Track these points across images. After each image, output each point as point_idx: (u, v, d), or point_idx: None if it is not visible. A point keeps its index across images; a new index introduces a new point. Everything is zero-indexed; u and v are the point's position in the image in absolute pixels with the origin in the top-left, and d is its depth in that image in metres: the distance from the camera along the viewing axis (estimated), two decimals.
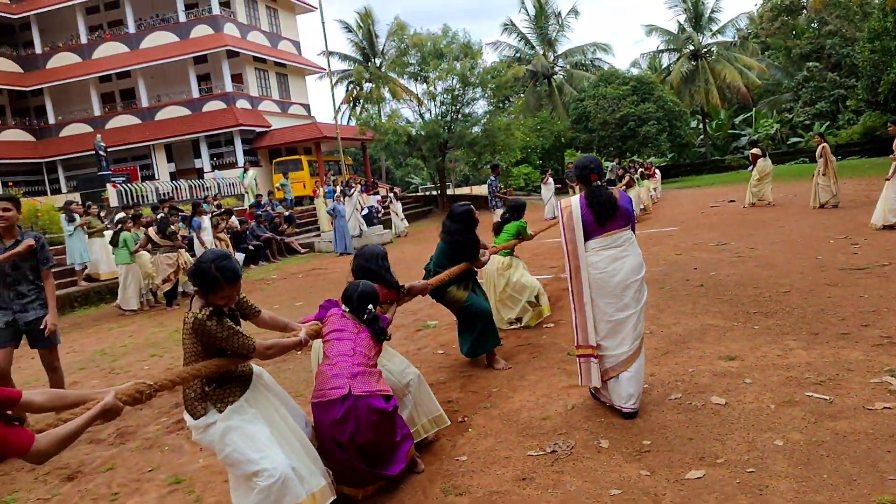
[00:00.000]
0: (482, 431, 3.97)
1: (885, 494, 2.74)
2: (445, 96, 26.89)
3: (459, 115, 27.35)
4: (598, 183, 3.92)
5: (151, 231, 10.59)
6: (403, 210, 27.31)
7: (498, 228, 6.89)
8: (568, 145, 37.07)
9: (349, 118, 40.14)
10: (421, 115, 28.01)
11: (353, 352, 3.22)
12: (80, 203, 14.65)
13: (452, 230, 5.24)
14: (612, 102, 33.92)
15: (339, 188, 19.74)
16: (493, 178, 18.30)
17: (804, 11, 40.36)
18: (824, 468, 3.02)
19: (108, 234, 11.35)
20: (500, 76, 26.66)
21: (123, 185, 21.54)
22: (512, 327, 6.42)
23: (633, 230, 4.03)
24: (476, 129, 27.47)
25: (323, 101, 55.84)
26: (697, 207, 17.14)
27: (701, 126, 41.96)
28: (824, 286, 6.57)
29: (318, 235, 19.60)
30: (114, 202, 20.14)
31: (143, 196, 21.25)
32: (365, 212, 19.73)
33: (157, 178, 28.60)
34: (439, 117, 26.95)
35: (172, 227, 10.55)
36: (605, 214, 3.85)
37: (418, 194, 38.18)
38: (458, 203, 5.42)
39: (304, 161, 28.62)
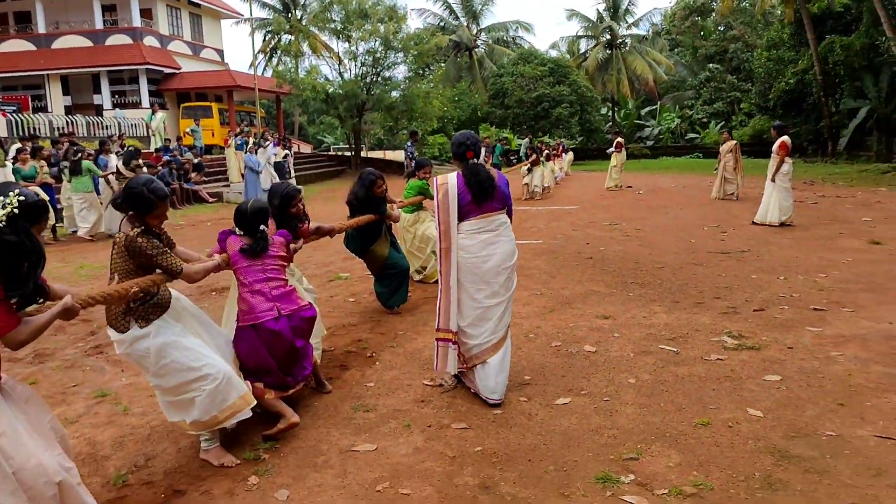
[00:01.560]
0: (388, 365, 4.51)
1: (704, 418, 3.50)
2: (366, 58, 26.76)
3: (379, 78, 27.34)
4: (475, 160, 3.81)
5: (119, 163, 11.47)
6: (315, 168, 27.24)
7: None
8: (483, 119, 37.82)
9: (265, 69, 38.99)
10: (340, 74, 27.77)
11: (267, 278, 3.52)
12: None
13: (355, 192, 5.49)
14: (529, 81, 34.90)
15: (251, 140, 19.47)
16: (409, 144, 18.68)
17: (713, 14, 42.78)
18: (662, 399, 3.77)
19: (9, 164, 10.84)
20: (422, 43, 26.81)
21: (14, 114, 20.21)
22: (418, 278, 6.95)
23: (510, 215, 3.93)
24: (395, 93, 27.59)
25: (237, 49, 53.58)
26: (598, 190, 18.29)
27: (610, 113, 43.92)
28: (692, 265, 7.54)
29: (228, 186, 19.29)
30: (2, 132, 18.90)
31: (35, 128, 20.02)
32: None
33: (50, 110, 26.80)
34: (359, 78, 26.84)
35: (138, 160, 11.18)
36: (484, 194, 3.72)
37: (331, 153, 37.79)
38: (367, 169, 5.75)
39: (214, 108, 27.70)
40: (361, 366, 4.51)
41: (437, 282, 6.79)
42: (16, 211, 2.23)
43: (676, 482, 2.86)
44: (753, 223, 10.59)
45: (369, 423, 3.59)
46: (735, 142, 14.69)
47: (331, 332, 5.22)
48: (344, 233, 5.50)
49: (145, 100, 26.98)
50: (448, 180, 3.78)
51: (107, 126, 22.92)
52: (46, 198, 8.97)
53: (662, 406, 3.68)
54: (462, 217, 3.75)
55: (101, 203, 11.43)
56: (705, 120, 40.41)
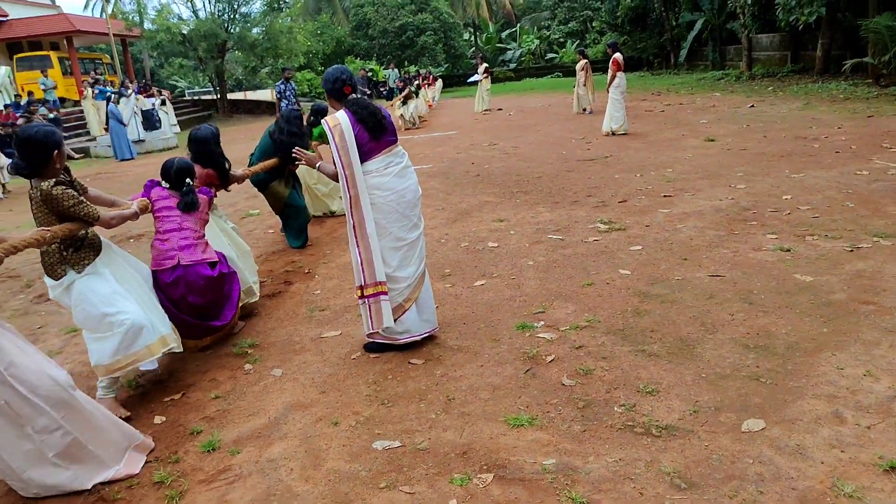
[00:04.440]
0: (326, 276, 5.20)
1: (588, 280, 4.53)
2: None
3: (237, 15, 26.29)
4: (355, 96, 3.57)
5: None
6: (180, 115, 26.04)
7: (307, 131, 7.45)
8: (349, 51, 37.36)
9: (102, 10, 35.85)
10: (194, 13, 26.38)
11: (181, 227, 3.71)
12: None
13: (286, 130, 5.71)
14: (390, 11, 34.81)
15: (111, 89, 18.48)
16: (280, 84, 18.35)
17: None
18: (556, 272, 4.77)
19: None
20: None
21: None
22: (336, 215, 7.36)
23: None
24: (256, 30, 26.69)
25: None
26: (471, 114, 19.22)
27: (473, 38, 44.66)
28: (565, 172, 8.66)
29: (93, 140, 18.32)
30: None
31: None
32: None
33: None
34: (216, 16, 25.66)
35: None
36: (380, 128, 3.49)
37: (192, 99, 35.90)
38: (291, 108, 6.01)
39: (53, 58, 25.54)
40: (303, 280, 5.18)
41: (338, 216, 7.28)
42: None
43: (573, 321, 3.86)
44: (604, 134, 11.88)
45: (327, 318, 4.32)
46: (586, 61, 15.88)
47: (264, 258, 5.81)
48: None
49: None
50: (340, 120, 3.43)
51: None
52: None
53: (556, 277, 4.68)
54: (364, 158, 3.45)
55: None
56: (562, 40, 42.21)
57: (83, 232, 3.16)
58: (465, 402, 3.08)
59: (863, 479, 2.33)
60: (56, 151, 3.02)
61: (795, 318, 3.64)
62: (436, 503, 2.39)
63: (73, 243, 3.13)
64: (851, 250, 4.64)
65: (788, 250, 4.76)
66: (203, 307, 3.74)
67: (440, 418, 2.96)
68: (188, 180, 3.84)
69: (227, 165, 4.57)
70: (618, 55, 11.81)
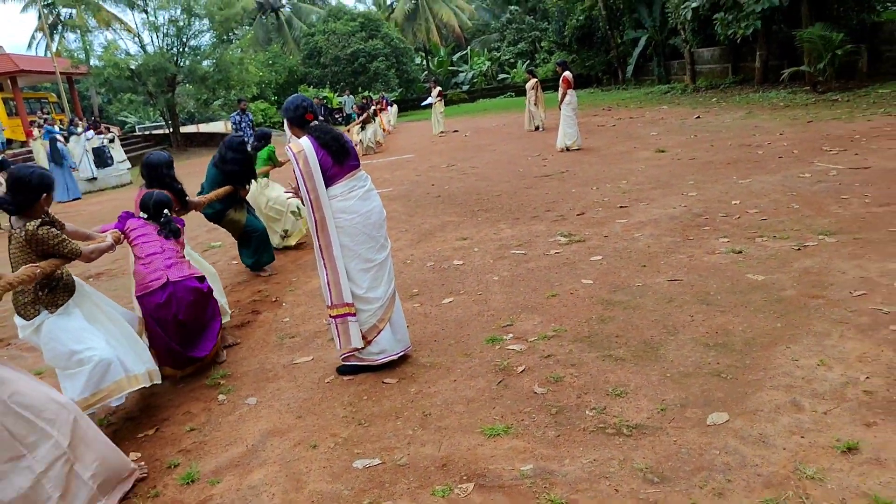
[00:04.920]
0: (294, 304, 5.21)
1: (552, 291, 4.65)
2: (169, 27, 25.43)
3: (186, 49, 26.13)
4: (316, 122, 3.62)
5: None
6: (133, 151, 25.61)
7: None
8: (302, 80, 37.38)
9: (46, 48, 35.19)
10: (143, 48, 26.13)
11: (163, 249, 3.79)
12: None
13: (228, 158, 5.75)
14: (342, 38, 35.04)
15: (58, 127, 18.10)
16: (234, 115, 18.25)
17: None
18: (521, 286, 4.88)
19: None
20: (228, 7, 25.89)
21: None
22: (285, 241, 7.28)
23: None
24: (207, 63, 26.55)
25: (9, 30, 47.24)
26: (427, 137, 19.42)
27: (424, 63, 45.19)
28: (523, 189, 8.85)
29: None
30: None
31: None
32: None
33: None
34: (164, 50, 25.46)
35: None
36: (344, 152, 3.55)
37: (143, 134, 35.35)
38: (232, 135, 6.06)
39: None
40: (271, 308, 5.18)
41: (299, 245, 7.31)
42: None
43: (541, 331, 3.96)
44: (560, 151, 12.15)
45: (298, 344, 4.33)
46: (536, 80, 16.25)
47: (231, 289, 5.78)
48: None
49: None
50: (304, 146, 3.47)
51: None
52: None
53: (522, 290, 4.79)
54: (328, 182, 3.50)
55: None
56: (512, 60, 43.00)
57: (59, 272, 3.20)
58: (441, 416, 3.14)
59: (822, 461, 2.46)
60: (45, 195, 3.12)
61: (750, 316, 3.81)
62: None
63: (48, 284, 3.16)
64: (799, 249, 4.88)
65: (740, 252, 4.97)
66: (189, 326, 3.78)
67: (418, 434, 3.01)
68: (166, 211, 3.97)
69: (182, 189, 4.56)
70: (567, 73, 12.14)
